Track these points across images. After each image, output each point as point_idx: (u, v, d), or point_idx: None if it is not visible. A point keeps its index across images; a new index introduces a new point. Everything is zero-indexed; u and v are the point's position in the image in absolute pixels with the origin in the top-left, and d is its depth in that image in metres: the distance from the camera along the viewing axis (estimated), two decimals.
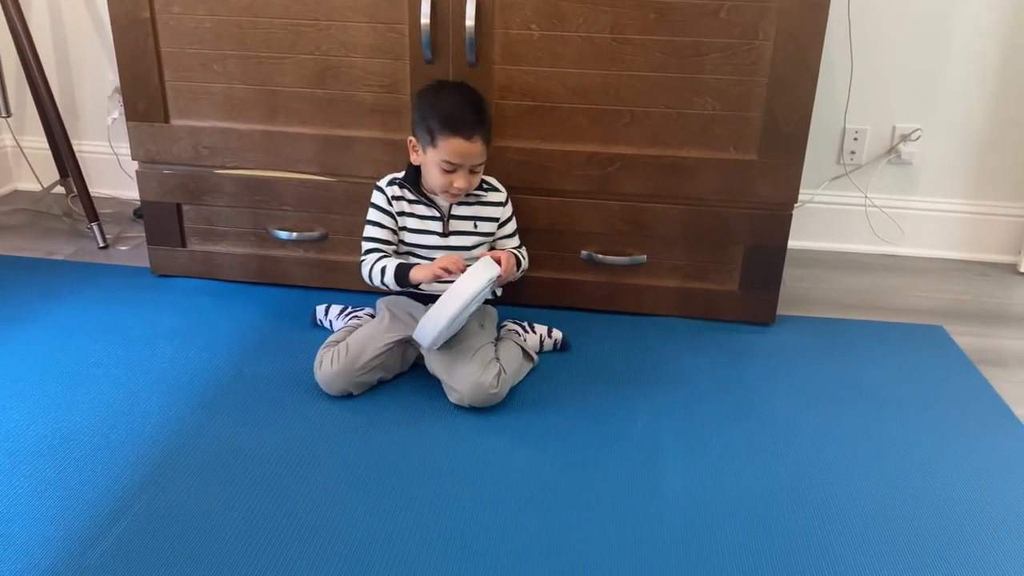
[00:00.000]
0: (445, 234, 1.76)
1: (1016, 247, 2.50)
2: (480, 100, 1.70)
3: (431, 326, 1.60)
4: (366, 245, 1.76)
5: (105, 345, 1.86)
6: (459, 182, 1.67)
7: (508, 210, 1.83)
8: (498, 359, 1.69)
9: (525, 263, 1.84)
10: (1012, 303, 2.27)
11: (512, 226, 1.85)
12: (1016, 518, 1.42)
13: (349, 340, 1.71)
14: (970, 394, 1.80)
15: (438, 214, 1.76)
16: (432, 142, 1.65)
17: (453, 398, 1.67)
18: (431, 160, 1.67)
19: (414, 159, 1.73)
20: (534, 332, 1.88)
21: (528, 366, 1.79)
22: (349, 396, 1.69)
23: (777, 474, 1.52)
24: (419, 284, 1.69)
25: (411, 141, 1.72)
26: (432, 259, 1.74)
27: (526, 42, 1.85)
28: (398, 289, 1.72)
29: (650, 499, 1.44)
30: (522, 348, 1.78)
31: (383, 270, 1.71)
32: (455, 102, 1.66)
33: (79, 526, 1.33)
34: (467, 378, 1.63)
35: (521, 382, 1.76)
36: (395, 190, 1.75)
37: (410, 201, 1.75)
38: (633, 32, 1.82)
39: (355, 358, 1.67)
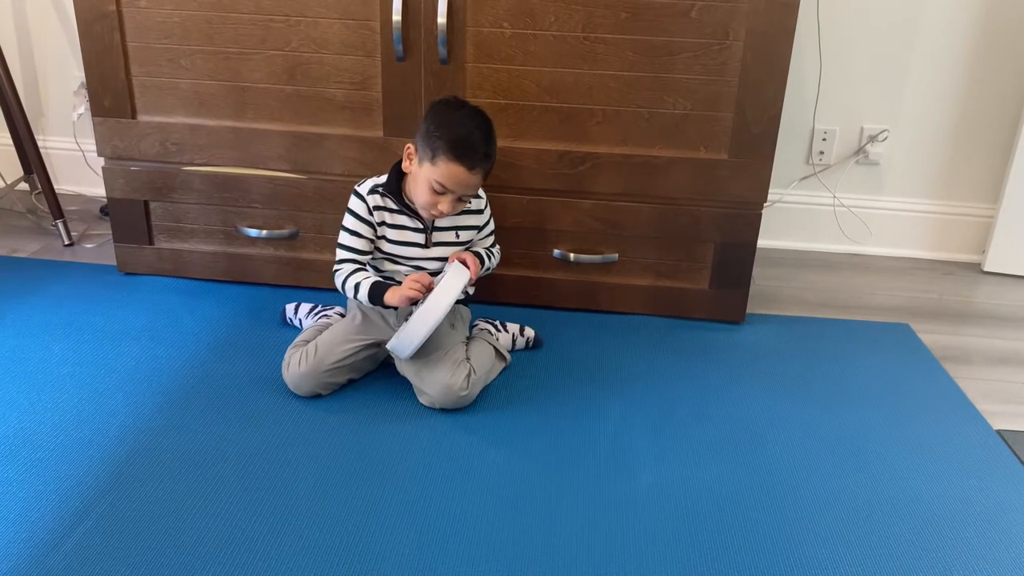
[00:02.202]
0: (427, 245, 1.73)
1: (980, 246, 2.54)
2: (492, 132, 1.63)
3: (408, 341, 1.59)
4: (342, 254, 1.70)
5: (70, 344, 1.83)
6: (444, 206, 1.61)
7: (487, 215, 1.81)
8: (468, 360, 1.68)
9: (494, 260, 1.83)
10: (976, 301, 2.31)
11: (489, 228, 1.83)
12: (978, 513, 1.45)
13: (318, 340, 1.70)
14: (935, 391, 1.82)
15: (421, 225, 1.71)
16: (432, 159, 1.58)
17: (424, 401, 1.66)
18: (424, 176, 1.60)
19: (406, 166, 1.67)
20: (506, 331, 1.88)
21: (500, 366, 1.78)
22: (318, 396, 1.68)
23: (747, 471, 1.53)
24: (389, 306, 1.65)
25: (409, 148, 1.65)
26: (412, 268, 1.73)
27: (498, 40, 1.85)
28: (369, 306, 1.68)
29: (622, 496, 1.45)
30: (494, 348, 1.78)
31: (357, 286, 1.65)
32: (468, 128, 1.58)
33: (42, 528, 1.31)
34: (437, 381, 1.63)
35: (493, 381, 1.76)
36: (376, 199, 1.69)
37: (392, 211, 1.70)
38: (605, 31, 1.82)
39: (323, 359, 1.66)
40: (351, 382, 1.72)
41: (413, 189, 1.66)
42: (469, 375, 1.64)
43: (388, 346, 1.64)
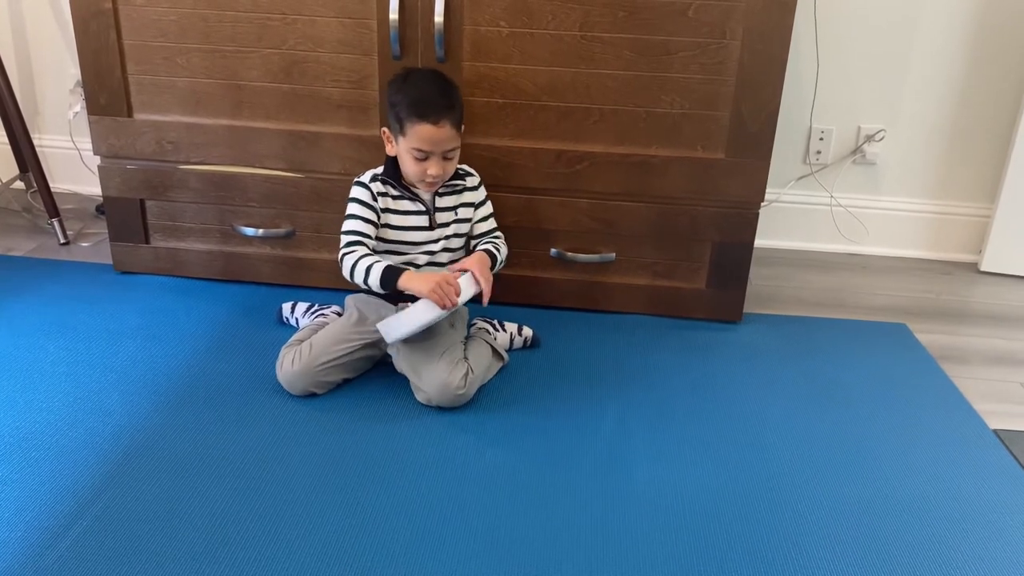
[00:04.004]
0: (432, 227, 1.75)
1: (977, 246, 2.54)
2: (449, 84, 1.68)
3: (396, 328, 1.60)
4: (348, 238, 1.68)
5: (65, 343, 1.82)
6: (433, 169, 1.64)
7: (482, 193, 1.82)
8: (466, 359, 1.68)
9: (502, 252, 1.80)
10: (973, 301, 2.31)
11: (486, 209, 1.83)
12: (974, 512, 1.45)
13: (312, 339, 1.69)
14: (933, 391, 1.82)
15: (424, 208, 1.73)
16: (402, 130, 1.63)
17: (420, 398, 1.66)
18: (403, 149, 1.65)
19: (389, 150, 1.70)
20: (504, 330, 1.88)
21: (498, 365, 1.78)
22: (313, 395, 1.67)
23: (744, 470, 1.53)
24: (405, 292, 1.63)
25: (384, 132, 1.70)
26: (419, 255, 1.74)
27: (495, 39, 1.85)
28: (379, 292, 1.65)
29: (619, 496, 1.44)
30: (492, 347, 1.78)
31: (368, 269, 1.62)
32: (422, 87, 1.64)
33: (37, 528, 1.30)
34: (434, 379, 1.62)
35: (491, 380, 1.75)
36: (379, 186, 1.71)
37: (394, 197, 1.72)
38: (602, 30, 1.82)
39: (316, 357, 1.65)
40: (346, 382, 1.72)
41: (402, 168, 1.69)
42: (467, 374, 1.64)
43: (378, 324, 1.64)
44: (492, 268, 1.74)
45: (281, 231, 2.06)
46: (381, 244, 1.74)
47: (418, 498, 1.41)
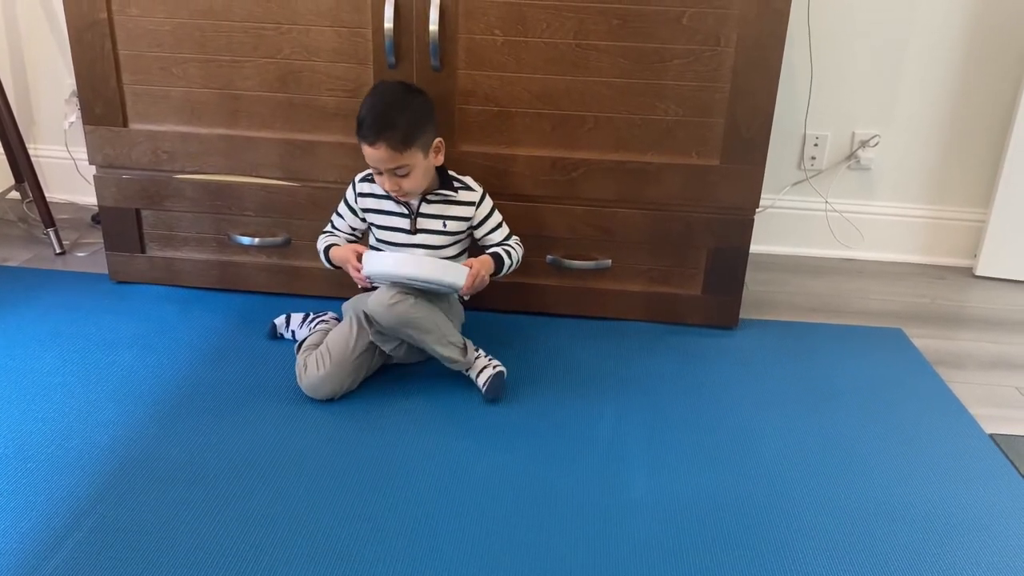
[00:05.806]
0: (413, 232, 1.76)
1: (971, 251, 2.55)
2: (392, 104, 1.63)
3: (379, 262, 1.62)
4: (325, 228, 1.85)
5: (61, 353, 1.82)
6: (386, 183, 1.68)
7: (484, 209, 1.79)
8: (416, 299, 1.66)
9: (514, 257, 1.79)
10: (968, 306, 2.31)
11: (493, 222, 1.81)
12: (971, 517, 1.45)
13: (328, 343, 1.70)
14: (928, 396, 1.82)
15: (406, 211, 1.76)
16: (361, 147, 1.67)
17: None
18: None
19: None
20: (484, 356, 1.80)
21: (454, 344, 1.71)
22: (329, 401, 1.68)
23: (740, 476, 1.53)
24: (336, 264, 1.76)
25: None
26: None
27: (490, 47, 1.85)
28: (330, 266, 1.79)
29: (615, 502, 1.44)
30: (465, 342, 1.74)
31: (321, 248, 1.80)
32: (368, 107, 1.63)
33: (33, 539, 1.30)
34: (375, 295, 1.65)
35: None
36: (365, 186, 1.77)
37: (378, 197, 1.76)
38: (596, 38, 1.83)
39: (342, 359, 1.67)
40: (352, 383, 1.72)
41: None
42: (406, 296, 1.63)
43: (365, 253, 1.66)
44: (500, 272, 1.76)
45: (277, 240, 2.06)
46: (371, 239, 1.83)
47: (415, 502, 1.41)
